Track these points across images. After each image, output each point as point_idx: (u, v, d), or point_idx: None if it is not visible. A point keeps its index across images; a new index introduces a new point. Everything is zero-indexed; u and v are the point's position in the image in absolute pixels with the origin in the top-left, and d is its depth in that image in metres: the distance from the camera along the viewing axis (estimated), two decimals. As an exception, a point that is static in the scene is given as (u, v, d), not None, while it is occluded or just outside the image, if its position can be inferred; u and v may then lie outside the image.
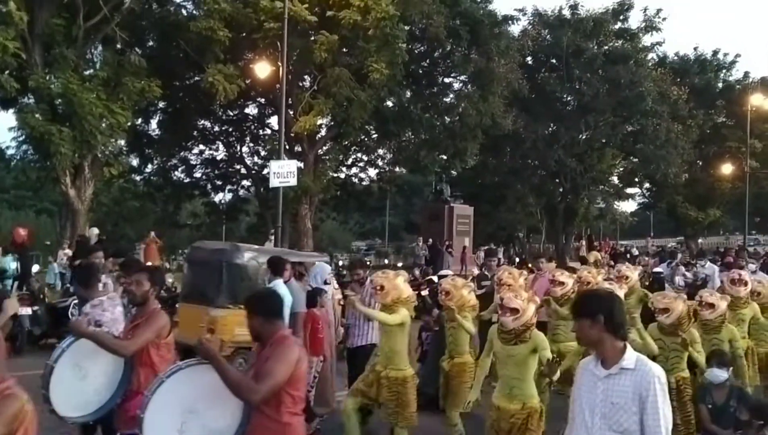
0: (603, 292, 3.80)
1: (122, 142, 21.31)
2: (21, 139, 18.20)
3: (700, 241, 41.47)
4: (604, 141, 33.02)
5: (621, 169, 37.27)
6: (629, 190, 41.22)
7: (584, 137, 32.63)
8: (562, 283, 7.64)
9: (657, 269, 11.95)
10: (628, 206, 51.42)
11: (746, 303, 7.73)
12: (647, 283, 11.18)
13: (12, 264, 14.65)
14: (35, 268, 15.57)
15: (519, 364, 5.19)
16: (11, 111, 18.72)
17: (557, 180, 33.45)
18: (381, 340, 6.44)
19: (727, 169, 37.28)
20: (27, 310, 11.27)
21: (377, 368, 6.23)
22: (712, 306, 6.86)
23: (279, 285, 7.27)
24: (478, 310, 7.16)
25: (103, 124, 17.59)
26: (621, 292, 6.98)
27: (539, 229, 36.59)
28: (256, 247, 11.63)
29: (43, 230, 32.24)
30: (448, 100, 27.17)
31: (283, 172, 18.36)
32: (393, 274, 6.51)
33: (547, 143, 31.25)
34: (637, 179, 38.95)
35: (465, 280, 7.55)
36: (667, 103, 32.77)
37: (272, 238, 20.58)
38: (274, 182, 18.45)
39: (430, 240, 25.98)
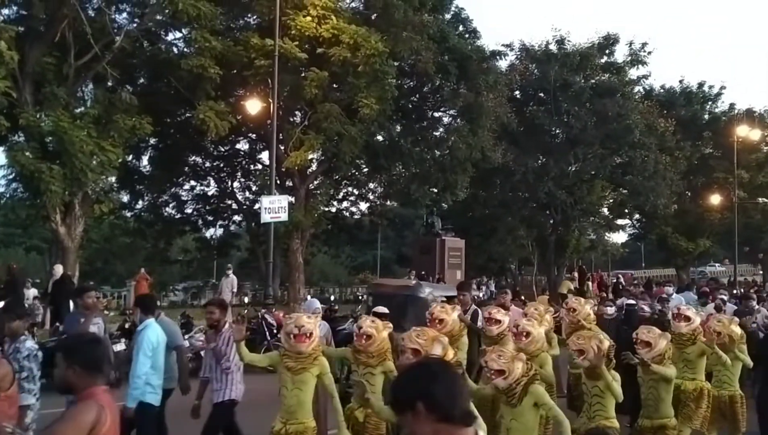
0: (420, 368, 2.54)
1: (113, 179, 21.28)
2: (11, 177, 18.15)
3: (691, 270, 41.59)
4: (593, 173, 33.25)
5: (611, 200, 37.47)
6: (619, 222, 41.41)
7: (573, 169, 32.84)
8: (498, 322, 6.98)
9: (630, 301, 11.77)
10: (618, 237, 51.57)
11: (690, 340, 6.98)
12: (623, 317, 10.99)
13: None
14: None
15: None
16: (1, 149, 18.72)
17: (548, 212, 33.57)
18: (284, 394, 5.75)
19: (715, 199, 37.59)
20: None
21: (276, 428, 5.67)
22: (648, 344, 6.21)
23: (151, 324, 6.85)
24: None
25: (94, 162, 17.55)
26: (540, 329, 6.53)
27: (531, 261, 36.57)
28: (432, 283, 14.13)
29: (32, 268, 32.04)
30: (437, 134, 27.39)
31: (274, 208, 18.46)
32: (315, 318, 5.91)
33: (537, 176, 31.44)
34: (627, 210, 39.15)
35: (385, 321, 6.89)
36: (654, 135, 33.13)
37: (229, 272, 20.44)
38: (265, 218, 18.52)
39: (423, 273, 25.96)
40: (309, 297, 14.81)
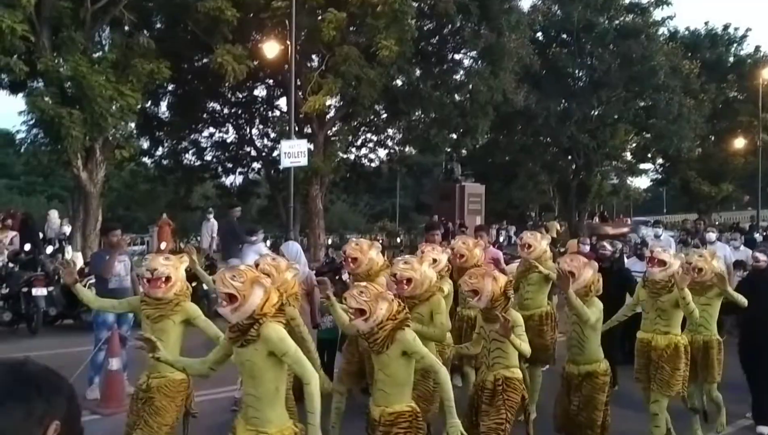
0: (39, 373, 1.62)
1: (132, 125, 21.21)
2: (31, 123, 18.11)
3: (713, 216, 41.15)
4: (616, 116, 32.71)
5: (634, 144, 37.00)
6: (642, 166, 41.00)
7: (597, 113, 32.33)
8: (434, 261, 6.16)
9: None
10: (641, 182, 50.99)
11: (666, 288, 6.03)
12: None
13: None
14: (49, 249, 15.56)
15: (254, 375, 3.72)
16: (21, 95, 18.64)
17: (570, 157, 33.22)
18: None
19: (739, 143, 36.98)
20: (42, 291, 11.27)
21: (139, 382, 5.11)
22: (571, 274, 5.33)
23: None
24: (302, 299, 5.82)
25: (113, 107, 17.45)
26: (424, 268, 5.48)
27: (552, 207, 36.36)
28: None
29: (54, 216, 32.45)
30: (458, 77, 26.87)
31: (294, 152, 18.31)
32: (175, 260, 5.15)
33: (559, 119, 30.97)
34: (650, 155, 38.68)
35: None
36: (679, 78, 32.46)
37: (210, 217, 19.87)
38: (285, 162, 18.41)
39: (443, 219, 25.86)
40: (328, 242, 14.57)
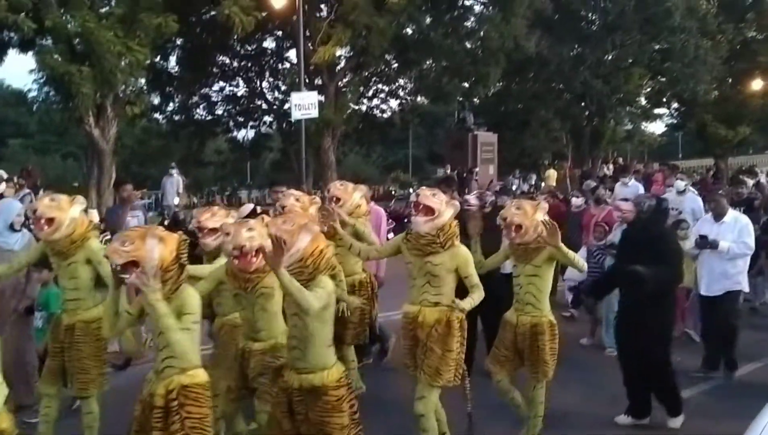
0: None
1: (142, 81, 21.18)
2: (42, 81, 18.16)
3: (730, 160, 40.60)
4: (630, 60, 32.13)
5: (648, 89, 36.42)
6: (657, 111, 40.40)
7: (610, 57, 31.78)
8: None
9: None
10: (656, 127, 50.36)
11: (437, 244, 4.65)
12: None
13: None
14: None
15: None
16: (30, 54, 18.62)
17: (583, 103, 32.82)
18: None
19: (757, 85, 36.16)
20: None
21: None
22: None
23: None
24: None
25: (123, 63, 17.42)
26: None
27: (565, 155, 36.07)
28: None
29: (70, 173, 32.72)
30: (469, 24, 26.44)
31: (305, 104, 18.29)
32: (64, 201, 4.91)
33: (572, 65, 30.49)
34: (665, 99, 38.08)
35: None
36: (695, 18, 31.71)
37: (173, 172, 19.14)
38: (295, 114, 18.41)
39: (460, 168, 25.82)
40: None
